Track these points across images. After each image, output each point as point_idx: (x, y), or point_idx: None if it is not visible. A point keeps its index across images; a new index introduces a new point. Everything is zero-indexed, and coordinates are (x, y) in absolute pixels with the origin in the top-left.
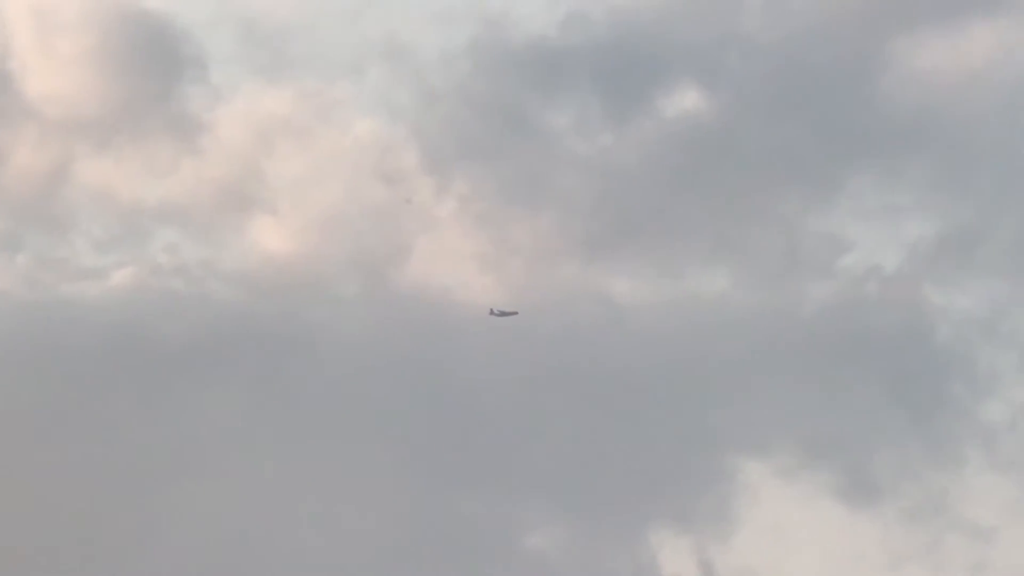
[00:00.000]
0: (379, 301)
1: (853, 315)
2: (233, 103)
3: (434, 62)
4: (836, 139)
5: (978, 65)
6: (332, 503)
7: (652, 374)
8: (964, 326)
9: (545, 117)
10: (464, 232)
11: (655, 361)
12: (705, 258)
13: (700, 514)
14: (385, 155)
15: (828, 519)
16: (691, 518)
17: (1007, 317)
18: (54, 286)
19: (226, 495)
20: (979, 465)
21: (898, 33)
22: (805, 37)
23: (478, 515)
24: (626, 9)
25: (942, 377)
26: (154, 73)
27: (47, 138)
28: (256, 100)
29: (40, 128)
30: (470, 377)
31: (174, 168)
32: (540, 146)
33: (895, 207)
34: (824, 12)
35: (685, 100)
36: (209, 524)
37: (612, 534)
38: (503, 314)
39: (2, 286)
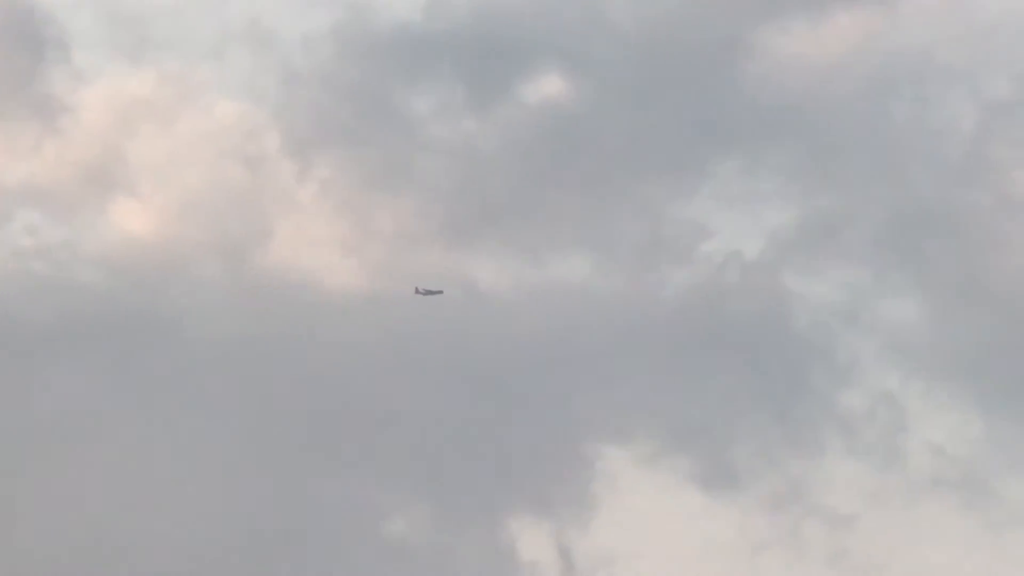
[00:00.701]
0: (240, 285)
1: (713, 302)
2: (96, 85)
3: (297, 46)
4: (699, 126)
5: (841, 53)
6: (192, 488)
7: (513, 360)
8: (823, 314)
9: (408, 102)
10: (326, 216)
11: (516, 347)
12: (567, 244)
13: (560, 500)
14: (247, 138)
15: (688, 506)
16: (551, 504)
17: (866, 305)
18: None
19: (85, 479)
20: (838, 453)
21: (763, 21)
22: (669, 24)
23: (338, 500)
24: None
25: (801, 365)
26: (16, 54)
27: None
28: (119, 82)
29: None
30: (331, 362)
31: (36, 150)
32: (403, 131)
33: (757, 194)
34: (689, 1)
35: (548, 87)
36: (69, 508)
37: (472, 520)
38: (428, 292)
39: None
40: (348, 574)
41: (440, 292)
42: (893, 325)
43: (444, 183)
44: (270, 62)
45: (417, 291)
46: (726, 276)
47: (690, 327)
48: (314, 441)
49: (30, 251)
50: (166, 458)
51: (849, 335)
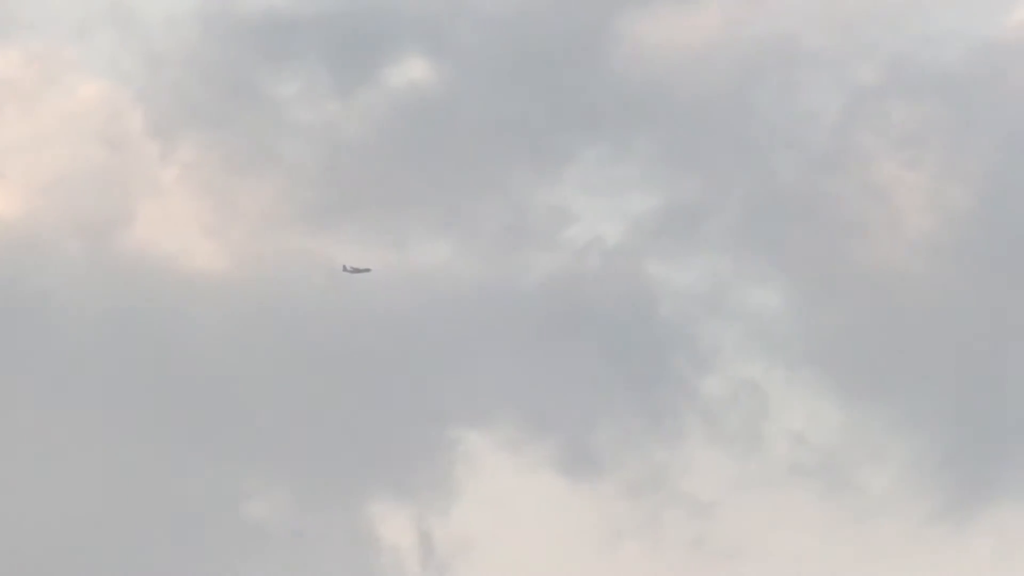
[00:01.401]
0: (103, 266)
1: (575, 288)
2: None
3: (161, 27)
4: (564, 112)
5: (707, 40)
6: (48, 468)
7: (375, 343)
8: (685, 300)
9: (272, 85)
10: (189, 198)
11: (378, 330)
12: (430, 229)
13: (420, 485)
14: (110, 119)
15: (549, 492)
16: (411, 489)
17: (729, 293)
18: None
19: None
20: (699, 440)
21: (628, 7)
22: (535, 9)
23: (198, 482)
24: None
25: (663, 351)
26: None
27: None
28: None
29: None
30: (194, 343)
31: None
32: (267, 114)
33: (621, 181)
34: None
35: (413, 71)
36: None
37: (332, 503)
38: (356, 271)
39: None
40: (206, 556)
41: (368, 270)
42: (755, 312)
43: (308, 167)
44: (134, 43)
45: (345, 269)
46: (588, 262)
47: (552, 312)
48: (174, 423)
49: None
50: (23, 439)
51: (711, 322)
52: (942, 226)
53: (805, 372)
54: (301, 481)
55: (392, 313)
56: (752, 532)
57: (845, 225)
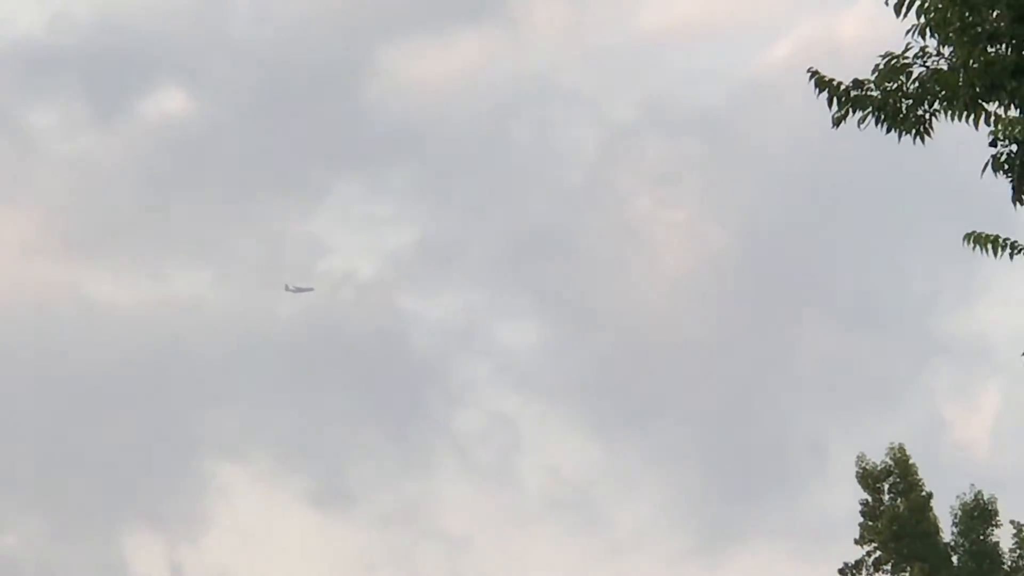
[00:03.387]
0: None
1: (330, 321)
2: None
3: None
4: (321, 146)
5: (464, 76)
6: None
7: (131, 375)
8: (439, 335)
9: (29, 116)
10: None
11: (134, 362)
12: (187, 260)
13: (173, 516)
14: None
15: (302, 524)
16: (164, 520)
17: (481, 327)
18: None
19: None
20: (453, 474)
21: (385, 42)
22: (293, 43)
23: None
24: (113, 10)
25: (417, 385)
26: None
27: None
28: None
29: None
30: None
31: None
32: (23, 145)
33: (376, 216)
34: (312, 19)
35: (170, 102)
36: None
37: (83, 534)
38: (299, 290)
39: None
40: None
41: (311, 289)
42: (509, 347)
43: (64, 197)
44: None
45: (287, 288)
46: (342, 295)
47: (307, 345)
48: None
49: None
50: None
51: (464, 356)
52: (697, 264)
53: (559, 407)
54: (53, 512)
55: (147, 344)
56: (506, 567)
57: (600, 262)
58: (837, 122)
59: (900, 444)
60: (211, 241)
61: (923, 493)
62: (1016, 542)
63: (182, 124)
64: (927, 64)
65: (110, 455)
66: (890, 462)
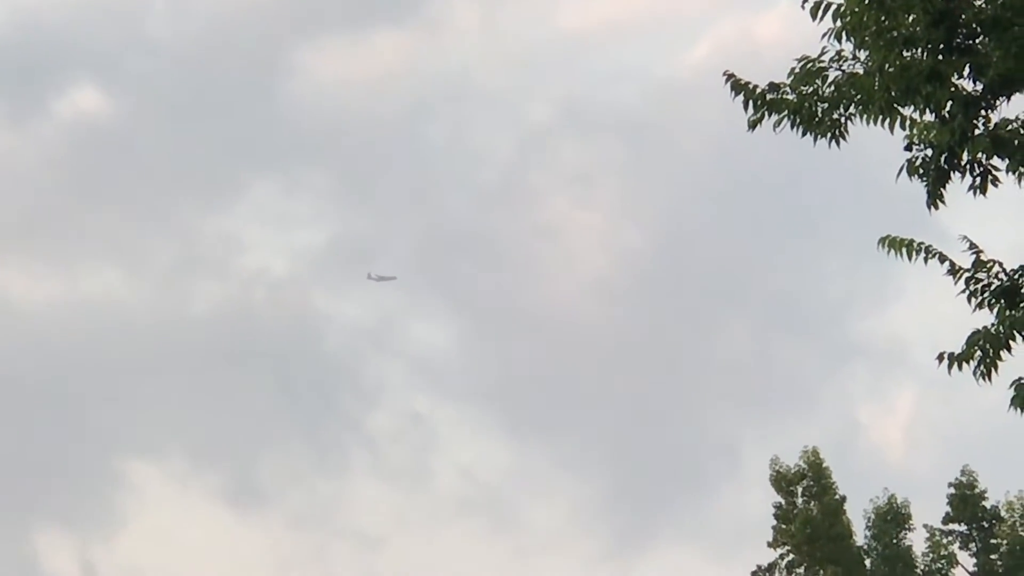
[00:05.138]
0: None
1: (242, 318)
2: None
3: None
4: (236, 144)
5: (380, 75)
6: None
7: (43, 373)
8: (352, 334)
9: None
10: None
11: (46, 361)
12: (99, 258)
13: (86, 515)
14: None
15: (215, 523)
16: (77, 519)
17: (394, 327)
18: None
19: None
20: (365, 474)
21: (303, 41)
22: (210, 43)
23: None
24: (28, 8)
25: (329, 384)
26: None
27: None
28: None
29: None
30: None
31: None
32: None
33: (292, 214)
34: (230, 19)
35: (84, 101)
36: None
37: None
38: (382, 279)
39: None
40: None
41: (394, 278)
42: (423, 348)
43: None
44: None
45: (369, 277)
46: (255, 292)
47: (219, 343)
48: None
49: None
50: None
51: (377, 356)
52: (612, 266)
53: (473, 408)
54: None
55: (60, 342)
56: (419, 567)
57: (515, 263)
58: (753, 125)
59: (814, 447)
60: (124, 239)
61: (836, 496)
62: (929, 546)
63: (97, 122)
64: (843, 68)
65: (22, 453)
66: (804, 465)
